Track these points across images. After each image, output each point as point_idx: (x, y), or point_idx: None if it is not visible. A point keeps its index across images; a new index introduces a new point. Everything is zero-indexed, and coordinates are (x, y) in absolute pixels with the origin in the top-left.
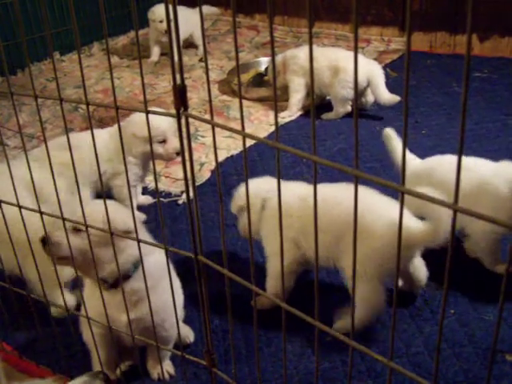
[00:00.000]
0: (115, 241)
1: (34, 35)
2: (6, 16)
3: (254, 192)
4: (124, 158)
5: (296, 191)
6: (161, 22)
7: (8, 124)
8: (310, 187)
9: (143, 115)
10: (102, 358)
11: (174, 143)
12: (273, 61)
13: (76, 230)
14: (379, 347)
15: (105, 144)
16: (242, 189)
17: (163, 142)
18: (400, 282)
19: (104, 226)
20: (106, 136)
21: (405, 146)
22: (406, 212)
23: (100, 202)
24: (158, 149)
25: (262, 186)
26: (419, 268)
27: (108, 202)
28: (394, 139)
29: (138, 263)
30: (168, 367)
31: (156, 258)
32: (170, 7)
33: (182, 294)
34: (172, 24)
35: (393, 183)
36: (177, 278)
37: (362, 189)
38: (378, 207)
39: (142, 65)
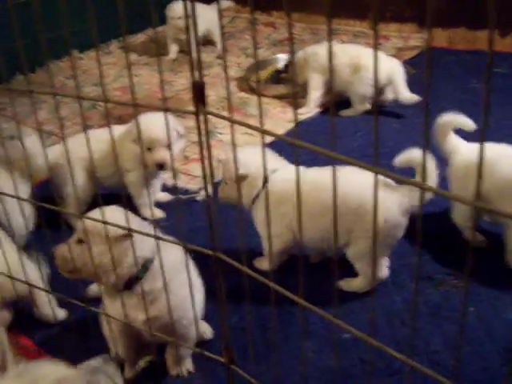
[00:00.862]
0: (117, 245)
1: (53, 33)
2: (26, 14)
3: (258, 166)
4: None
5: (289, 175)
6: (179, 18)
7: (27, 121)
8: (307, 172)
9: (146, 119)
10: (122, 353)
11: (157, 155)
12: (292, 58)
13: (79, 242)
14: (398, 344)
15: (119, 140)
16: (244, 156)
17: (149, 149)
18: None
19: (95, 237)
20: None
21: (425, 144)
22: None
23: (97, 210)
24: (146, 156)
25: (269, 163)
26: None
27: (106, 208)
28: (450, 125)
29: (148, 264)
30: (188, 365)
31: (169, 256)
32: (189, 4)
33: (202, 290)
34: (190, 21)
35: (412, 180)
36: (197, 275)
37: (358, 172)
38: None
39: (160, 62)
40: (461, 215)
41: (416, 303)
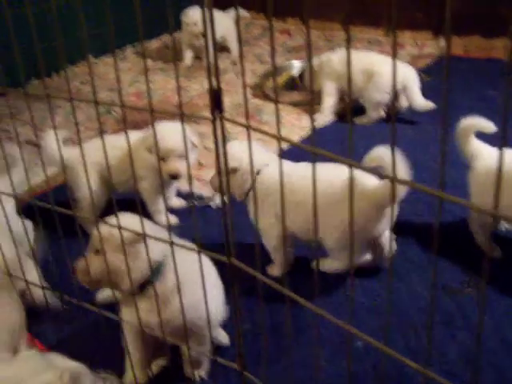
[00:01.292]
0: (130, 250)
1: (69, 38)
2: (42, 19)
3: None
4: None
5: (277, 170)
6: (194, 24)
7: (42, 126)
8: (294, 165)
9: (161, 128)
10: (135, 357)
11: (171, 165)
12: (310, 65)
13: (97, 252)
14: (411, 353)
15: (134, 147)
16: (234, 148)
17: (163, 159)
18: (369, 256)
19: (111, 242)
20: (137, 138)
21: (444, 151)
22: (363, 174)
23: (110, 218)
24: (160, 165)
25: (261, 157)
26: (387, 241)
27: (120, 214)
28: (472, 129)
29: (160, 267)
30: (205, 367)
31: (182, 258)
32: (206, 10)
33: (222, 293)
34: (208, 27)
35: (430, 189)
36: (215, 277)
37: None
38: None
39: (176, 68)
40: (477, 222)
41: (432, 312)
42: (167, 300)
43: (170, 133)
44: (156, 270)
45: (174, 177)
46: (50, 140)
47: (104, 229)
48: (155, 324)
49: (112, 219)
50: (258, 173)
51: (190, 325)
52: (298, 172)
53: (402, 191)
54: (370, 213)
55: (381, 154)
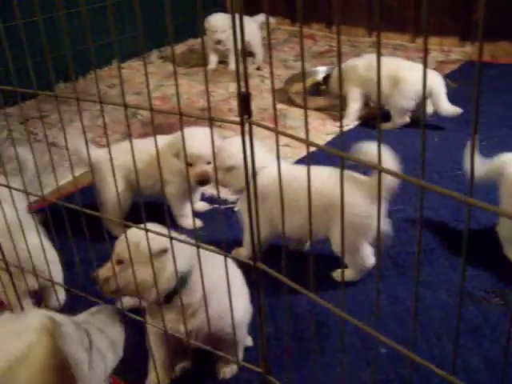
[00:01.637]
0: (155, 261)
1: (95, 43)
2: (69, 24)
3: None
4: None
5: (274, 172)
6: (215, 31)
7: (69, 128)
8: (291, 168)
9: (189, 133)
10: (159, 361)
11: (197, 170)
12: (339, 71)
13: (119, 262)
14: (435, 361)
15: (161, 152)
16: (233, 145)
17: (191, 165)
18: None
19: (136, 253)
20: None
21: (472, 157)
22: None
23: (131, 230)
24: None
25: (259, 158)
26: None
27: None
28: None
29: (186, 277)
30: (228, 371)
31: (208, 268)
32: (236, 16)
33: (248, 299)
34: (237, 33)
35: (459, 194)
36: (241, 283)
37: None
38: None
39: (205, 73)
40: (507, 230)
41: (459, 321)
42: (195, 310)
43: (197, 138)
44: (182, 281)
45: (202, 182)
46: (79, 142)
47: (130, 239)
48: (182, 333)
49: (137, 231)
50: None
51: (219, 332)
52: (296, 175)
53: (392, 182)
54: (366, 206)
55: (368, 148)
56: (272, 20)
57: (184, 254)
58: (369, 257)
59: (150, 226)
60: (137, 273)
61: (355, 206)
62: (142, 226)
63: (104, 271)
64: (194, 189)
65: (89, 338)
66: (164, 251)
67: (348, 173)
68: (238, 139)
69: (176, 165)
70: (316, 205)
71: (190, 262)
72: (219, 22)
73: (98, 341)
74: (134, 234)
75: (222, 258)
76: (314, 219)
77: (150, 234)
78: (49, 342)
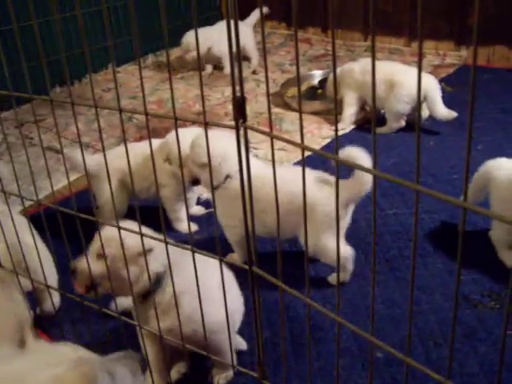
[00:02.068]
0: (137, 261)
1: (91, 47)
2: (64, 28)
3: (225, 159)
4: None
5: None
6: (188, 50)
7: (64, 133)
8: (267, 169)
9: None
10: (152, 362)
11: (188, 171)
12: (334, 75)
13: (99, 256)
14: (431, 365)
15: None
16: (215, 146)
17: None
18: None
19: (118, 252)
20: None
21: (468, 162)
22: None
23: (129, 224)
24: (180, 172)
25: (233, 158)
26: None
27: (124, 223)
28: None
29: (160, 279)
30: (222, 377)
31: (186, 268)
32: (232, 23)
33: (237, 303)
34: (232, 37)
35: (455, 199)
36: (231, 287)
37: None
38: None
39: (200, 77)
40: (499, 234)
41: (455, 324)
42: (165, 310)
43: (185, 139)
44: (157, 280)
45: (195, 182)
46: (73, 148)
47: (114, 235)
48: (159, 331)
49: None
50: (228, 176)
51: (193, 335)
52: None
53: (368, 185)
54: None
55: (350, 152)
56: (264, 9)
57: (161, 254)
58: (341, 248)
59: (131, 225)
60: (117, 270)
61: (328, 206)
62: (121, 223)
63: (83, 263)
64: (188, 191)
65: (114, 378)
66: (149, 251)
67: (324, 176)
68: (222, 139)
69: (169, 167)
70: (288, 207)
71: (166, 263)
72: (192, 40)
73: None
74: (114, 232)
75: (203, 259)
76: (286, 220)
77: (128, 237)
78: (78, 376)
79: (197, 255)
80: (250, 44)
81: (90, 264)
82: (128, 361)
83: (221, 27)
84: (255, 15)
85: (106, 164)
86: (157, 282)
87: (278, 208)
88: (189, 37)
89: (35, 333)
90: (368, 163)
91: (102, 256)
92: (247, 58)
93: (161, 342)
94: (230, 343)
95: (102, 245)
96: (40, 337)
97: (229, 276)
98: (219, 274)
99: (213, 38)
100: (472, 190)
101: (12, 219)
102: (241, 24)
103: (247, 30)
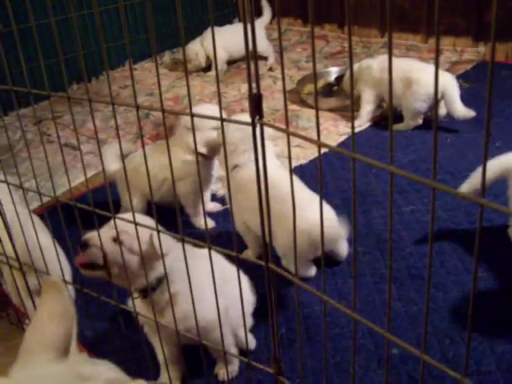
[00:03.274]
0: (152, 259)
1: (108, 44)
2: (82, 26)
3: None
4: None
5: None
6: (190, 60)
7: (81, 129)
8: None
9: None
10: (163, 355)
11: (203, 136)
12: (351, 71)
13: (115, 241)
14: (448, 363)
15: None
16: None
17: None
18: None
19: (134, 242)
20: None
21: (485, 158)
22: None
23: (144, 218)
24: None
25: (245, 150)
26: (342, 246)
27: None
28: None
29: (162, 278)
30: (222, 370)
31: (190, 268)
32: (248, 25)
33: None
34: (249, 36)
35: (472, 196)
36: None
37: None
38: (306, 202)
39: (217, 75)
40: None
41: (471, 322)
42: (162, 308)
43: (202, 108)
44: (159, 280)
45: (208, 155)
46: (109, 152)
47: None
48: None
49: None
50: (237, 166)
51: (190, 334)
52: (276, 177)
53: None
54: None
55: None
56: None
57: (171, 254)
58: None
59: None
60: (129, 259)
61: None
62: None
63: (96, 239)
64: (205, 182)
65: None
66: (166, 254)
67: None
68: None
69: (184, 158)
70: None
71: (171, 264)
72: (190, 51)
73: None
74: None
75: (206, 256)
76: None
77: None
78: None
79: (198, 251)
80: (264, 44)
81: (103, 243)
82: None
83: (230, 29)
84: (267, 15)
85: (125, 169)
86: (159, 281)
87: (270, 212)
88: (190, 49)
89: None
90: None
91: (117, 240)
92: (263, 58)
93: (177, 336)
94: (223, 340)
95: (117, 232)
96: (81, 350)
97: (231, 270)
98: (221, 270)
99: (222, 41)
100: (491, 182)
101: (30, 216)
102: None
103: (259, 31)
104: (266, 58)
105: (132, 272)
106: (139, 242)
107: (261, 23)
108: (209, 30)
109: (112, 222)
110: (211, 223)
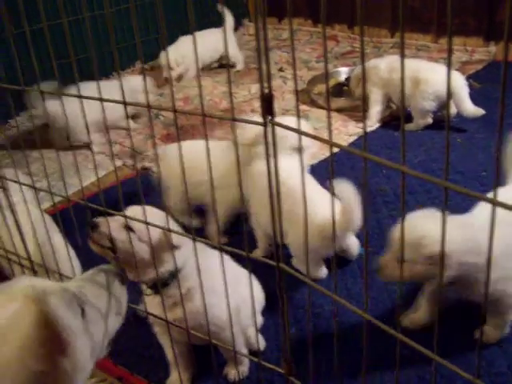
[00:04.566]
0: (164, 251)
1: (119, 44)
2: (93, 27)
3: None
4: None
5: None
6: (169, 69)
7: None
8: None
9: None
10: (173, 355)
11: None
12: (363, 72)
13: (127, 229)
14: (459, 364)
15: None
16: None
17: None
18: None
19: (159, 236)
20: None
21: (498, 158)
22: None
23: (158, 212)
24: None
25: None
26: (352, 244)
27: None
28: None
29: (175, 273)
30: (242, 368)
31: (204, 265)
32: (260, 20)
33: (258, 299)
34: (260, 35)
35: (484, 195)
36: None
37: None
38: (317, 198)
39: (228, 74)
40: None
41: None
42: (175, 303)
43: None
44: (171, 275)
45: None
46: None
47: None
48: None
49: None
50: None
51: (200, 331)
52: (289, 178)
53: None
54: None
55: (339, 187)
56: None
57: (184, 250)
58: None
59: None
60: (139, 249)
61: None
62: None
63: (105, 225)
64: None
65: (82, 301)
66: (175, 247)
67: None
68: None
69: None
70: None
71: (185, 259)
72: (170, 59)
73: (97, 303)
74: (159, 216)
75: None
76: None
77: (172, 227)
78: (35, 310)
79: (210, 251)
80: (233, 49)
81: (112, 229)
82: (99, 277)
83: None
84: (229, 19)
85: (159, 167)
86: (171, 276)
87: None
88: (168, 54)
89: None
90: (355, 200)
91: (128, 228)
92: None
93: (188, 335)
94: (234, 339)
95: (127, 221)
96: None
97: (240, 270)
98: (231, 271)
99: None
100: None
101: (42, 215)
102: (214, 32)
103: (230, 36)
104: (234, 66)
105: (142, 261)
106: (149, 233)
107: (229, 29)
108: (183, 37)
109: (127, 211)
110: (224, 238)
